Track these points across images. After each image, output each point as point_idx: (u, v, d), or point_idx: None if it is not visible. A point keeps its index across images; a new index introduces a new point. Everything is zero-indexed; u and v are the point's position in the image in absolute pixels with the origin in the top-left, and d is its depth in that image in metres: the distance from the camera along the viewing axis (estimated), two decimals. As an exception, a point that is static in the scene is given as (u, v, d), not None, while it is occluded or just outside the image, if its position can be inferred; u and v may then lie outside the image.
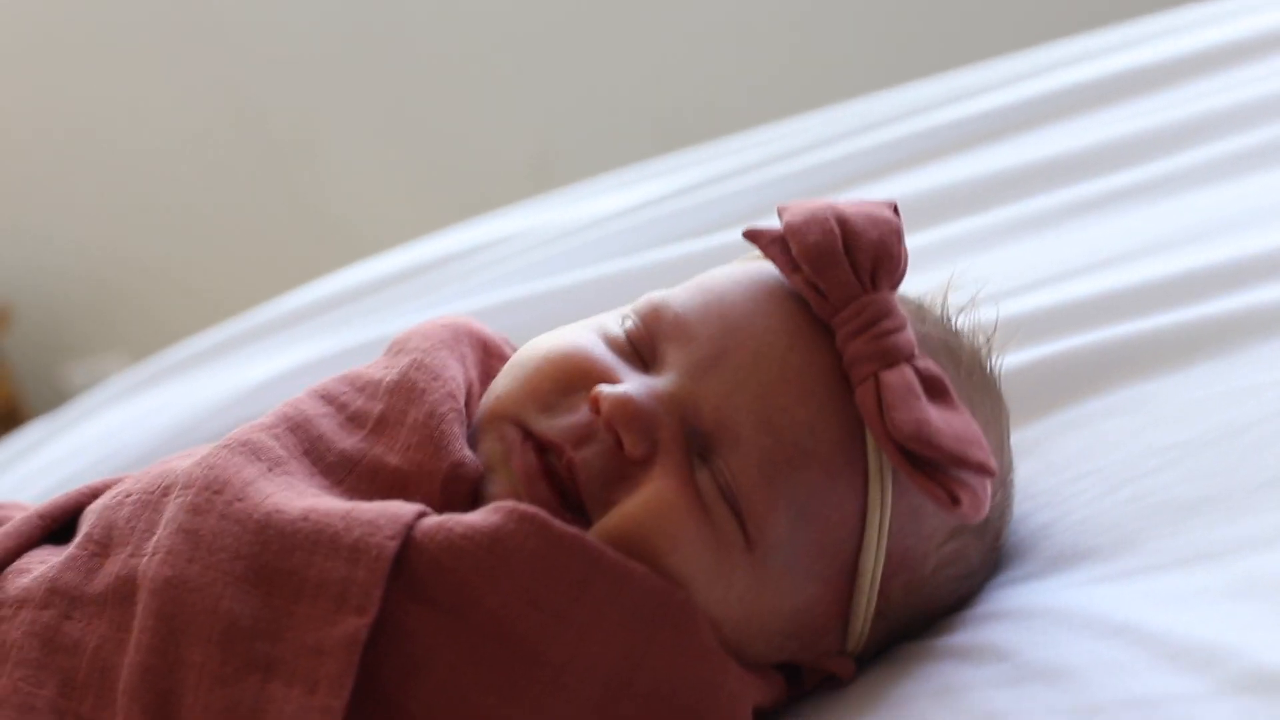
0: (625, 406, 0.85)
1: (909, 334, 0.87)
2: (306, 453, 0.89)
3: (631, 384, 0.87)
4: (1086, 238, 1.30)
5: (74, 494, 0.95)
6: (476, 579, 0.80)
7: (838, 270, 0.87)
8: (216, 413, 1.40)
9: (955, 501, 0.84)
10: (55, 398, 3.09)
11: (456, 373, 0.92)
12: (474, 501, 0.87)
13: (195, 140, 3.00)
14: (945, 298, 0.96)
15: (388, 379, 0.92)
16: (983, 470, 0.84)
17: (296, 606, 0.80)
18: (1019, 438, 1.06)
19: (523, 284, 1.51)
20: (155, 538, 0.84)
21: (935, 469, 0.84)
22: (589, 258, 1.53)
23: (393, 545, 0.80)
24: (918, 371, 0.86)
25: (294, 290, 1.75)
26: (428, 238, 1.78)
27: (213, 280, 3.08)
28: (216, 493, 0.84)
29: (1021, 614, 0.90)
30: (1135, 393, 1.06)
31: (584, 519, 0.85)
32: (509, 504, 0.82)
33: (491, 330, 1.00)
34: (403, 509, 0.82)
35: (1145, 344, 1.10)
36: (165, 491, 0.87)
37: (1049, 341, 1.14)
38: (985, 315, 0.99)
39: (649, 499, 0.84)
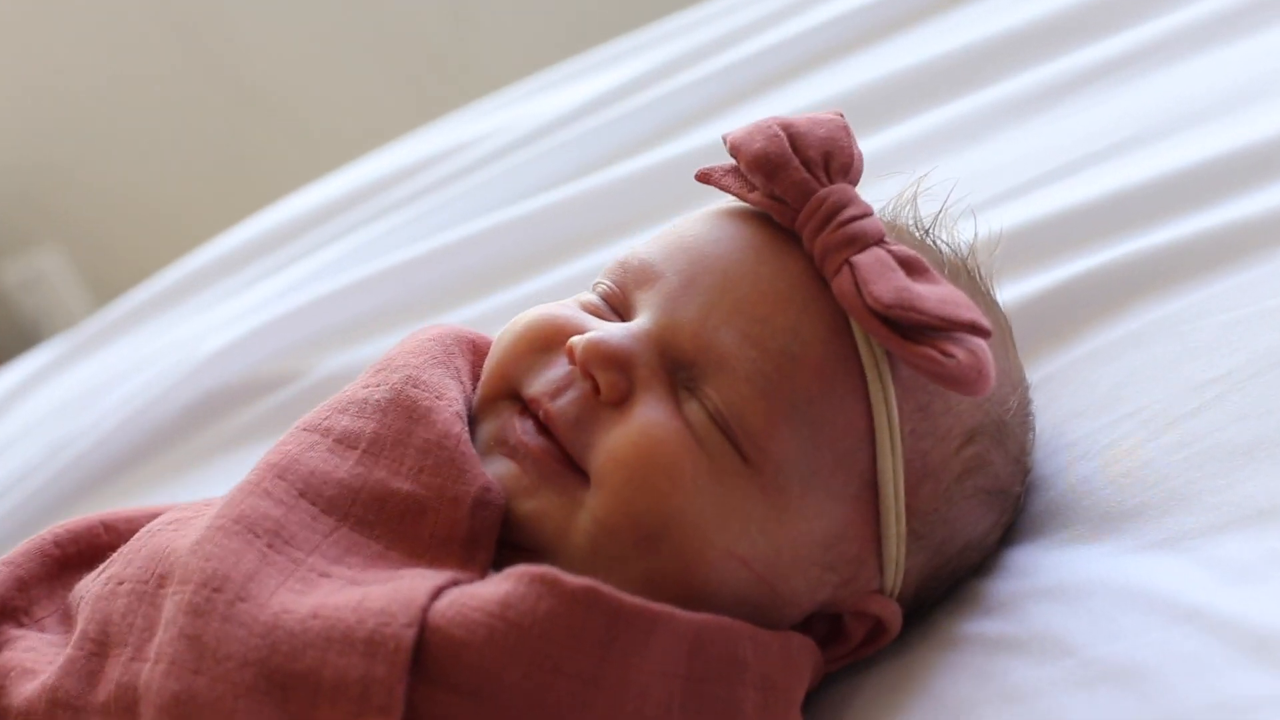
0: (596, 346, 0.83)
1: (876, 220, 0.84)
2: (303, 494, 0.83)
3: (604, 329, 0.85)
4: (1078, 124, 1.20)
5: (86, 521, 0.92)
6: (494, 655, 0.75)
7: (789, 170, 0.84)
8: (171, 389, 1.33)
9: (949, 356, 0.79)
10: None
11: (456, 393, 0.88)
12: (503, 526, 0.83)
13: (108, 20, 2.87)
14: (915, 207, 0.92)
15: (376, 396, 0.87)
16: (975, 329, 0.81)
17: (315, 712, 0.74)
18: (1039, 374, 1.00)
19: (481, 213, 1.43)
20: (156, 640, 0.78)
21: (924, 335, 0.80)
22: (542, 175, 1.45)
23: (410, 634, 0.74)
24: (891, 253, 0.83)
25: (218, 162, 1.66)
26: (371, 155, 1.68)
27: (141, 161, 2.99)
28: (216, 590, 0.77)
29: (1076, 591, 0.85)
30: (1161, 315, 0.98)
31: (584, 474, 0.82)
32: (519, 568, 0.77)
33: (477, 332, 0.95)
34: (415, 590, 0.76)
35: (1163, 256, 1.01)
36: (160, 582, 0.81)
37: (1056, 260, 1.06)
38: (964, 226, 0.93)
39: (635, 437, 0.81)
